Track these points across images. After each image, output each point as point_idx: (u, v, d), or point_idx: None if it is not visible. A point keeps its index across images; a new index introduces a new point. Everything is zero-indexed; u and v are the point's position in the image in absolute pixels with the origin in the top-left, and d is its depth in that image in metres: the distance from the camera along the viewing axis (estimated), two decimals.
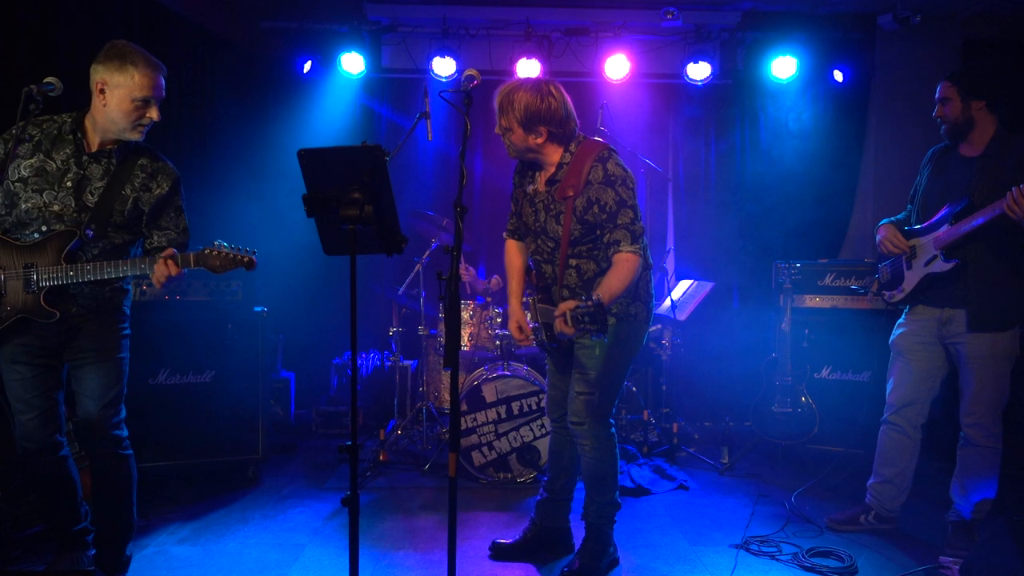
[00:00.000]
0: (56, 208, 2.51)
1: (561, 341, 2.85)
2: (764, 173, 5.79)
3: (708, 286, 5.01)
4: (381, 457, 4.36)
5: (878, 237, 3.34)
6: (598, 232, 2.73)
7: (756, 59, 5.68)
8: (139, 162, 2.63)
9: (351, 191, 2.07)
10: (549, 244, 2.84)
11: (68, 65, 3.83)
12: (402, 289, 4.85)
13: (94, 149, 2.57)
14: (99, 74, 2.49)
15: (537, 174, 2.86)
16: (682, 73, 5.53)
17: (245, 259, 2.61)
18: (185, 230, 2.77)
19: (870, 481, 3.41)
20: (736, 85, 5.82)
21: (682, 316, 4.83)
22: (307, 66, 5.43)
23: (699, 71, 5.45)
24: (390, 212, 2.17)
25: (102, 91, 2.49)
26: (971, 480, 3.08)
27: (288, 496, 3.87)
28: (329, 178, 2.11)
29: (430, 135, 4.22)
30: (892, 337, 3.37)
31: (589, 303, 2.34)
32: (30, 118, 2.42)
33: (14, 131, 2.48)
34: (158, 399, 3.76)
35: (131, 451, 2.73)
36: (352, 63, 5.36)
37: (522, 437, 3.96)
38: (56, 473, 2.66)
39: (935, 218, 3.13)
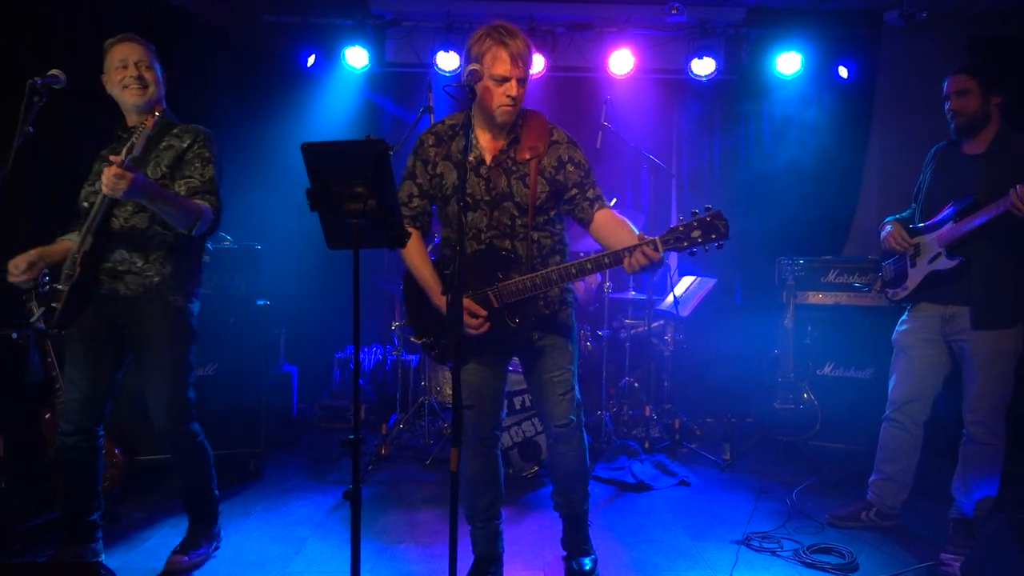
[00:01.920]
0: (95, 188, 2.68)
1: (526, 323, 2.51)
2: (768, 169, 5.78)
3: (711, 282, 5.01)
4: (383, 451, 4.37)
5: (883, 234, 3.33)
6: (568, 194, 2.58)
7: (761, 55, 5.67)
8: (172, 131, 2.81)
9: (354, 185, 2.06)
10: (512, 212, 2.52)
11: (69, 62, 3.82)
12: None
13: (129, 126, 2.80)
14: (104, 77, 2.80)
15: (477, 139, 2.54)
16: (686, 69, 5.52)
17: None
18: (211, 180, 2.78)
19: (872, 478, 3.41)
20: (741, 81, 5.80)
21: (685, 312, 4.83)
22: (311, 60, 5.44)
23: (704, 67, 5.44)
24: (394, 206, 2.16)
25: (107, 85, 2.79)
26: (973, 478, 3.08)
27: (290, 489, 3.88)
28: (332, 172, 2.10)
29: None
30: (895, 334, 3.37)
31: (696, 214, 2.25)
32: (33, 111, 2.45)
33: (104, 152, 2.81)
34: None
35: (201, 436, 2.87)
36: (356, 57, 5.36)
37: (524, 432, 3.96)
38: (81, 458, 2.76)
39: (939, 216, 3.12)
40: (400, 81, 5.81)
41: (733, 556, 3.10)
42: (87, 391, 2.71)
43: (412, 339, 4.44)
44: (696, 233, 2.27)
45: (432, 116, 4.34)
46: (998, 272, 3.01)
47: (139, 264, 2.70)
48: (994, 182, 2.94)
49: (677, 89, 5.83)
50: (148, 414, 2.76)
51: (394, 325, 4.83)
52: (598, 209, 2.59)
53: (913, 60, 5.68)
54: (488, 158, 2.54)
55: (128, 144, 2.52)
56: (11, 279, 2.64)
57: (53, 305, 2.66)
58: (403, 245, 2.21)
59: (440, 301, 2.50)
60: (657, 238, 2.30)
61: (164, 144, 2.76)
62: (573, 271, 2.44)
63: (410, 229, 2.61)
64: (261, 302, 4.07)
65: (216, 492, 3.01)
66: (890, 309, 4.32)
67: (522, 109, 2.57)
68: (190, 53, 4.88)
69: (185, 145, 2.77)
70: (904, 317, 3.35)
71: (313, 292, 5.44)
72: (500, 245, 2.54)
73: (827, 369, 4.42)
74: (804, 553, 3.07)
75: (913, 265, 3.22)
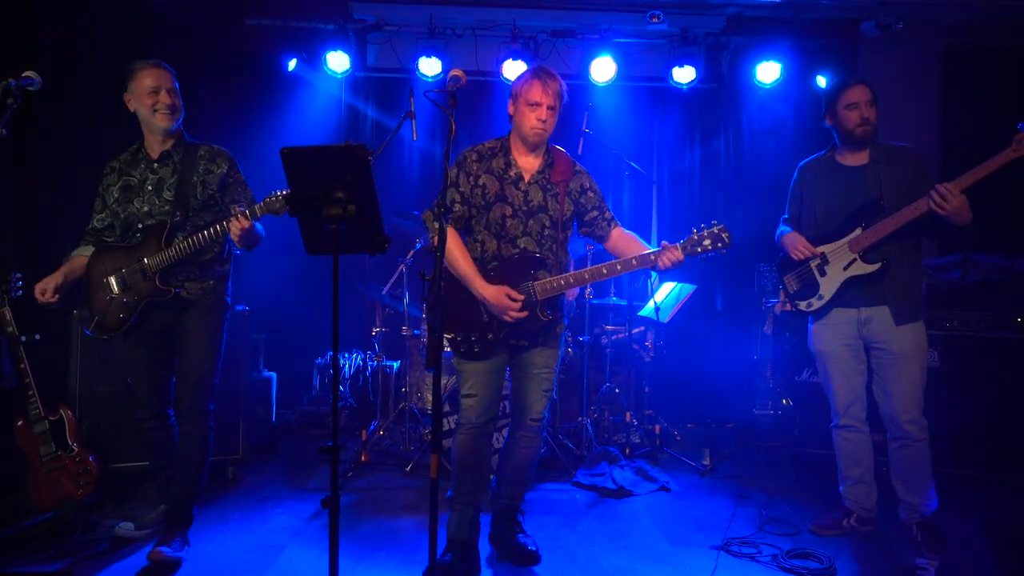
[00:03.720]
0: (146, 209, 3.03)
1: (555, 319, 2.94)
2: (747, 176, 5.83)
3: (691, 289, 5.03)
4: (363, 458, 4.34)
5: (787, 245, 3.38)
6: (590, 216, 3.04)
7: (741, 63, 5.72)
8: (199, 153, 3.12)
9: (334, 190, 2.06)
10: (544, 223, 2.94)
11: (52, 62, 3.79)
12: (386, 289, 4.83)
13: (156, 156, 3.08)
14: (127, 95, 3.03)
15: (515, 160, 2.96)
16: (667, 76, 5.56)
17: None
18: (253, 200, 3.15)
19: (842, 488, 3.44)
20: (721, 89, 5.86)
21: (665, 319, 4.85)
22: (292, 64, 5.41)
23: (684, 75, 5.49)
24: (373, 212, 2.16)
25: (130, 103, 3.04)
26: (925, 478, 3.17)
27: (269, 497, 3.84)
28: (312, 177, 2.10)
29: (415, 135, 4.20)
30: (815, 345, 3.42)
31: (704, 227, 2.79)
32: (7, 113, 2.45)
33: (114, 164, 3.10)
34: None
35: (213, 423, 3.15)
36: (337, 62, 5.34)
37: (504, 438, 3.95)
38: (159, 437, 3.18)
39: (839, 225, 3.25)
40: (382, 86, 5.80)
41: (713, 561, 3.11)
42: (154, 381, 3.12)
43: (407, 332, 4.47)
44: (707, 242, 2.81)
45: (414, 122, 4.33)
46: (905, 269, 3.20)
47: (197, 272, 3.08)
48: (894, 187, 3.17)
49: (658, 96, 5.87)
50: (176, 391, 3.11)
51: (375, 331, 4.81)
52: (614, 227, 3.06)
53: (890, 70, 5.77)
54: (527, 176, 2.96)
55: (251, 210, 2.89)
56: (41, 301, 2.98)
57: (122, 316, 2.98)
58: (383, 251, 2.22)
59: (483, 289, 2.81)
60: (679, 245, 2.84)
61: (203, 167, 3.09)
62: (604, 271, 2.87)
63: (450, 228, 2.89)
64: (240, 307, 4.03)
65: (201, 493, 3.19)
66: None
67: (551, 146, 3.03)
68: (171, 55, 4.83)
69: (224, 171, 3.13)
70: (815, 327, 3.41)
71: (293, 298, 5.40)
72: (532, 250, 2.91)
73: (805, 375, 4.46)
74: (782, 558, 3.09)
75: (823, 274, 3.29)
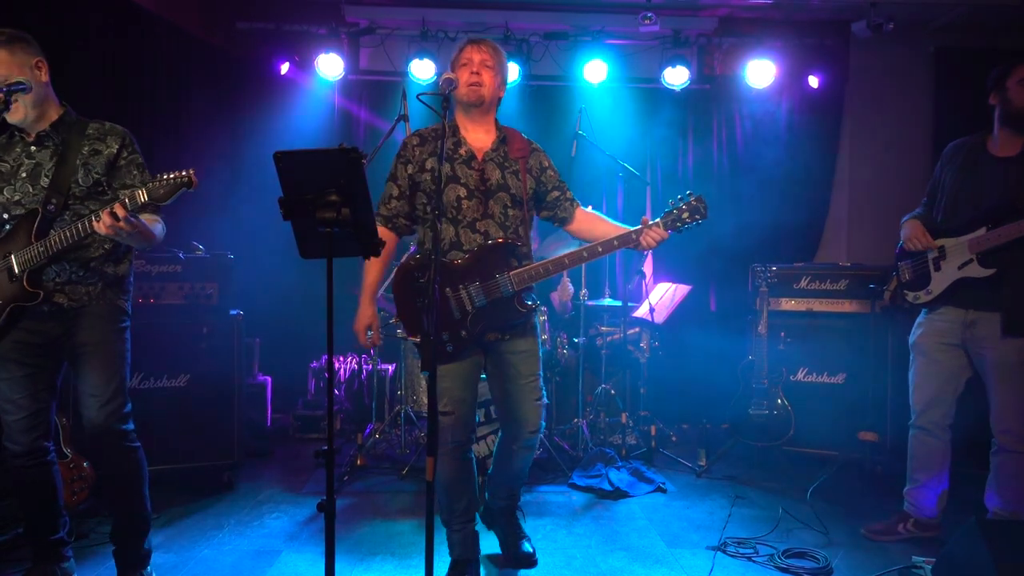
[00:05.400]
0: (17, 198, 2.57)
1: (527, 307, 2.72)
2: (741, 177, 5.85)
3: (686, 289, 5.04)
4: (359, 461, 4.33)
5: (904, 233, 3.25)
6: (551, 196, 2.90)
7: (733, 64, 5.74)
8: (87, 132, 2.65)
9: (328, 194, 2.05)
10: (505, 203, 2.75)
11: None
12: (380, 292, 4.81)
13: (32, 138, 2.62)
14: None
15: (464, 138, 2.78)
16: (660, 77, 5.56)
17: (185, 177, 2.42)
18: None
19: (906, 488, 3.34)
20: (713, 89, 5.87)
21: (660, 319, 4.85)
22: (284, 67, 5.40)
23: (677, 76, 5.49)
24: (367, 215, 2.15)
25: None
26: (1006, 487, 3.04)
27: (264, 501, 3.83)
28: (306, 180, 2.09)
29: None
30: (912, 338, 3.30)
31: (682, 198, 2.71)
32: None
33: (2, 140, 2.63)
34: (132, 403, 3.68)
35: (138, 443, 2.72)
36: (330, 65, 5.33)
37: (494, 445, 3.94)
38: (37, 477, 2.66)
39: (969, 219, 3.07)
40: (374, 89, 5.80)
41: (709, 562, 3.12)
42: (30, 408, 2.60)
43: (403, 336, 4.45)
44: (686, 215, 2.73)
45: (407, 124, 4.33)
46: None
47: (80, 273, 2.61)
48: None
49: (651, 98, 5.87)
50: (82, 414, 2.61)
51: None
52: (576, 208, 2.94)
53: (881, 70, 5.79)
54: (480, 155, 2.77)
55: (133, 195, 2.38)
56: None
57: None
58: (377, 254, 2.21)
59: (363, 307, 3.03)
60: (659, 220, 2.75)
61: (88, 148, 2.61)
62: (585, 255, 2.73)
63: (381, 230, 2.78)
64: (234, 311, 4.02)
65: (148, 524, 2.78)
66: (861, 315, 4.39)
67: (502, 125, 2.87)
68: (161, 57, 4.83)
69: (115, 150, 2.64)
70: (921, 319, 3.28)
71: (287, 301, 5.39)
72: (496, 234, 2.72)
73: (800, 375, 4.47)
74: (779, 558, 3.09)
75: (938, 268, 3.14)
